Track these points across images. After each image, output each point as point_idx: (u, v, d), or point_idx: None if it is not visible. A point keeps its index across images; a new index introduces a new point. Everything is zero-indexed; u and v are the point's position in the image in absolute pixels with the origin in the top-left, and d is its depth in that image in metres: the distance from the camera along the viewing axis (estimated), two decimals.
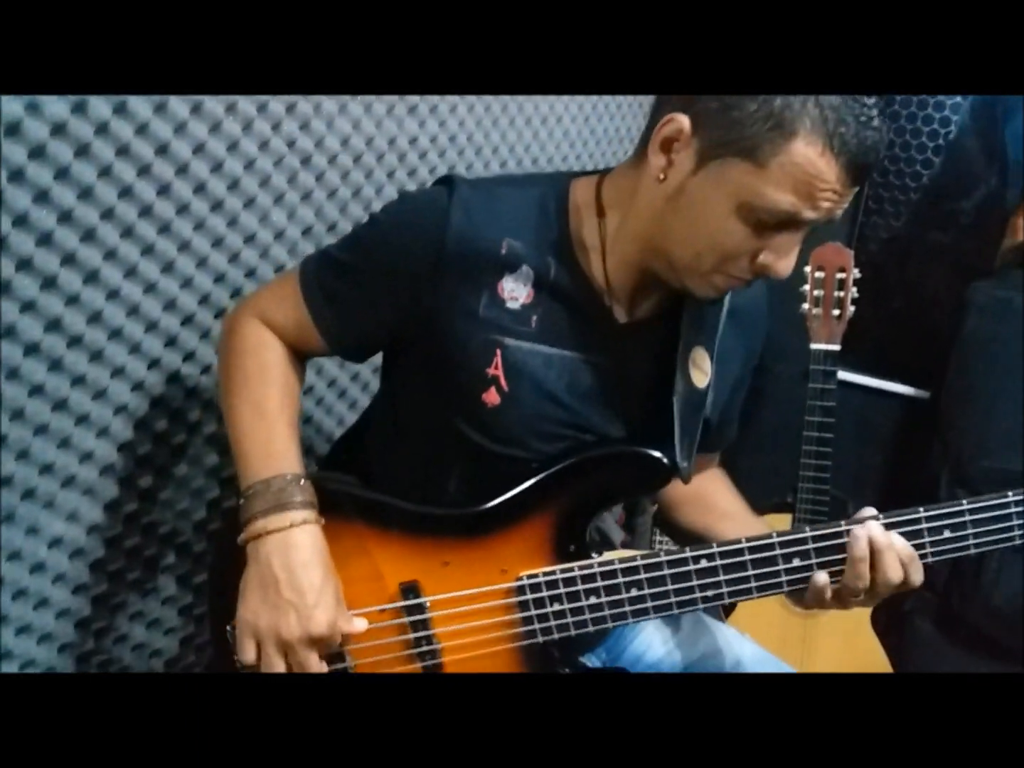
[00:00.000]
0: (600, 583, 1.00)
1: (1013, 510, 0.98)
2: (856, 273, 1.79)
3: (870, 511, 0.99)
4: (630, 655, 1.22)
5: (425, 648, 1.03)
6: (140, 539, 1.28)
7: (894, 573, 0.96)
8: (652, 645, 1.22)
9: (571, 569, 1.01)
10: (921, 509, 0.98)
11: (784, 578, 0.99)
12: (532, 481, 1.02)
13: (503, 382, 1.01)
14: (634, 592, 1.00)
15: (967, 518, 0.98)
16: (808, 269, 1.81)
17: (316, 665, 0.97)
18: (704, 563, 0.99)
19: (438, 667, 1.04)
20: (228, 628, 1.02)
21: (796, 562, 0.98)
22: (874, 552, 0.95)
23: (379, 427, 1.19)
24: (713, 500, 1.25)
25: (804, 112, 0.84)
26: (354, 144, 1.43)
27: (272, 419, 1.02)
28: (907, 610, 2.03)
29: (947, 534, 0.98)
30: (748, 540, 0.98)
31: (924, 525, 0.97)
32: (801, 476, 1.88)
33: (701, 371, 1.06)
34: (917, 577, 0.97)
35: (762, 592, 1.00)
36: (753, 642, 1.26)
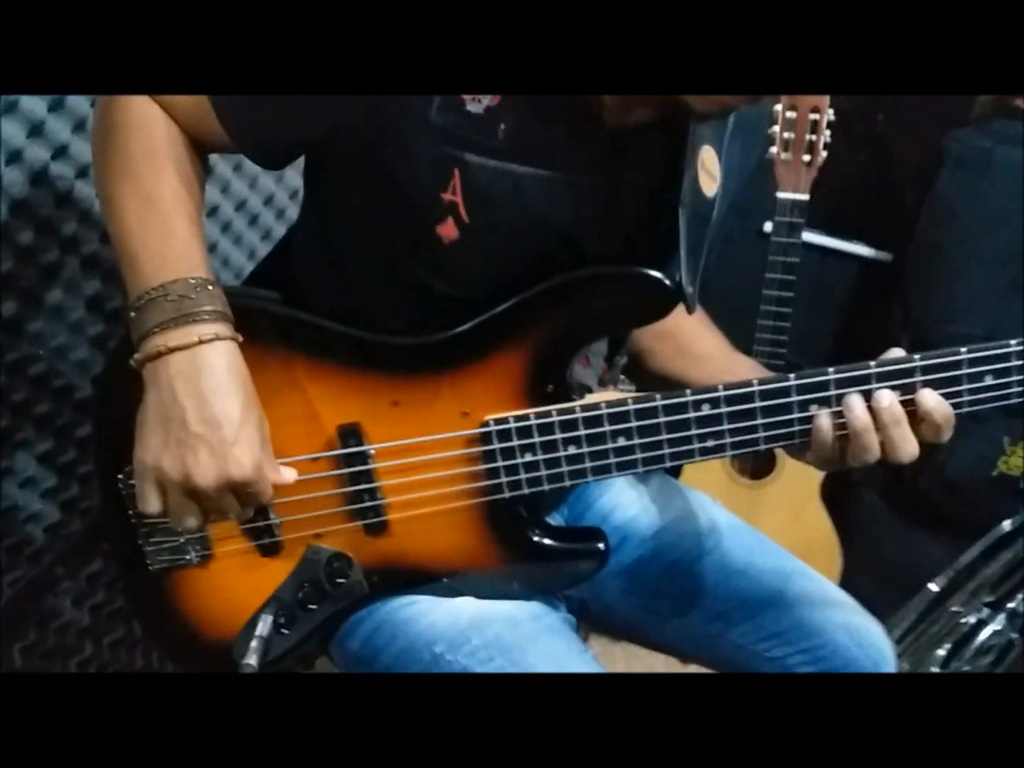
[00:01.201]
0: (582, 431, 0.83)
1: (1014, 363, 0.81)
2: (831, 115, 1.63)
3: (897, 352, 0.82)
4: (596, 514, 1.06)
5: (367, 504, 0.85)
6: (6, 380, 1.04)
7: (908, 447, 0.79)
8: (620, 504, 1.07)
9: (548, 413, 0.83)
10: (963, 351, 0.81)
11: (797, 427, 0.82)
12: (502, 307, 0.82)
13: (462, 211, 0.79)
14: (621, 442, 0.83)
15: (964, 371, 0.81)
16: (779, 108, 1.63)
17: (234, 507, 0.78)
18: (707, 409, 0.82)
19: (381, 526, 0.87)
20: (120, 476, 0.81)
21: (814, 409, 0.81)
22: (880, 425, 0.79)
23: (303, 254, 0.95)
24: (687, 341, 1.06)
25: None
26: None
27: (167, 210, 0.78)
28: (855, 480, 1.95)
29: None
30: (760, 382, 0.81)
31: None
32: (757, 339, 1.76)
33: (710, 176, 0.87)
34: (946, 435, 0.81)
35: (770, 442, 0.83)
36: (723, 508, 1.12)
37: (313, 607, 0.86)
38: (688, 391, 0.82)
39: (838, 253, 2.02)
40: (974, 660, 1.76)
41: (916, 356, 0.81)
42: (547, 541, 0.89)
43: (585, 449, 0.83)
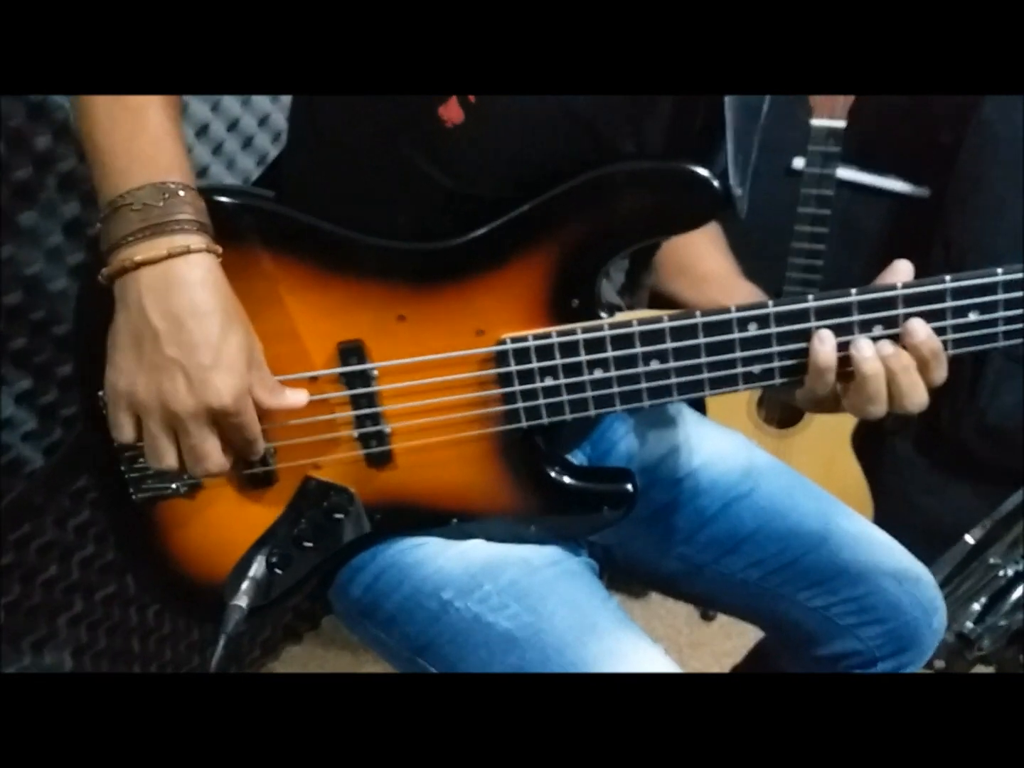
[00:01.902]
0: (611, 352, 0.74)
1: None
2: None
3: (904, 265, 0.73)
4: (621, 453, 0.97)
5: (370, 429, 0.77)
6: None
7: (918, 396, 0.71)
8: (648, 443, 0.98)
9: (572, 331, 0.74)
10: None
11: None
12: (526, 206, 0.72)
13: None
14: (655, 365, 0.74)
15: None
16: None
17: (216, 452, 0.70)
18: (754, 329, 0.72)
19: (385, 456, 0.78)
20: (101, 394, 0.74)
21: (878, 330, 0.71)
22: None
23: (296, 153, 0.85)
24: (689, 260, 0.97)
25: None
26: None
27: (138, 106, 0.69)
28: (887, 430, 1.86)
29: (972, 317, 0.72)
30: (816, 298, 0.71)
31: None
32: (788, 279, 1.67)
33: None
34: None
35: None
36: (759, 447, 1.03)
37: (310, 545, 0.78)
38: (733, 307, 0.72)
39: (872, 189, 1.90)
40: (1010, 615, 1.69)
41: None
42: (567, 479, 0.80)
43: (613, 373, 0.74)
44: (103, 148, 0.69)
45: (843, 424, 1.76)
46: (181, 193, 0.67)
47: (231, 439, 0.71)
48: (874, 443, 1.85)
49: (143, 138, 0.69)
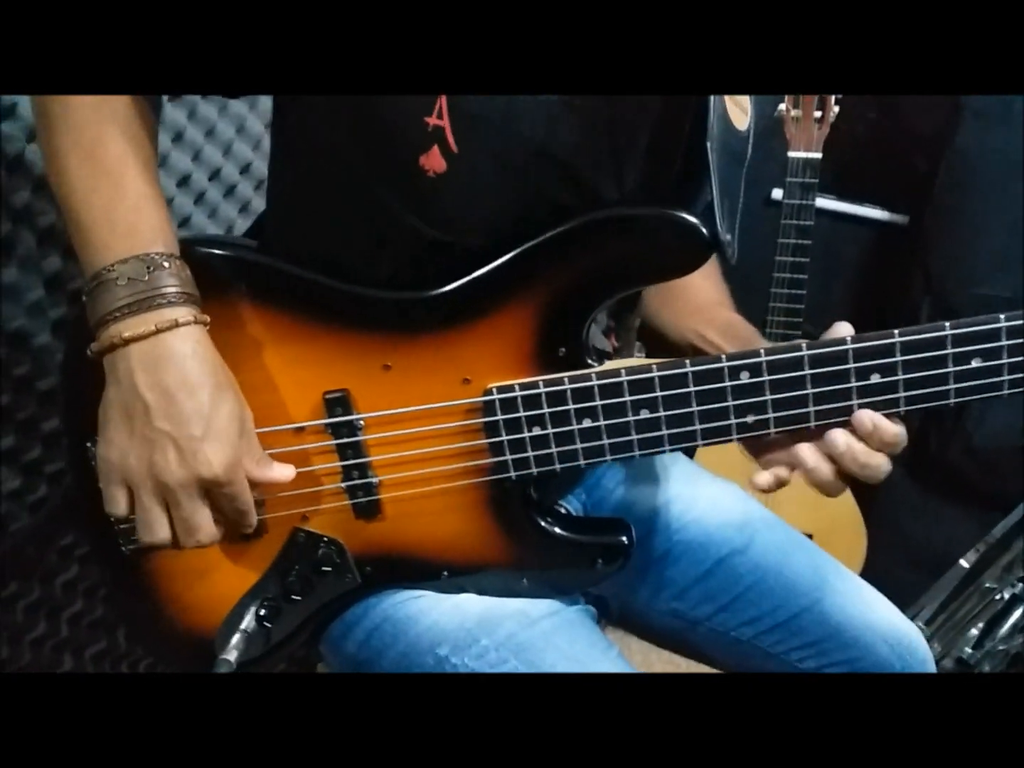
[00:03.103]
0: (598, 401, 0.73)
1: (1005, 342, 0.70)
2: None
3: (846, 328, 0.74)
4: (617, 503, 0.96)
5: (357, 481, 0.77)
6: None
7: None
8: (644, 493, 0.97)
9: (560, 381, 0.73)
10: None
11: (856, 400, 0.72)
12: (512, 254, 0.72)
13: (450, 138, 0.69)
14: (645, 414, 0.73)
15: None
16: None
17: (207, 524, 0.70)
18: (746, 377, 0.72)
19: (373, 507, 0.78)
20: (89, 445, 0.75)
21: (875, 378, 0.71)
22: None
23: (279, 201, 0.85)
24: (679, 288, 0.95)
25: None
26: None
27: (115, 170, 0.69)
28: None
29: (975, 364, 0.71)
30: (809, 347, 0.71)
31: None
32: (771, 309, 1.69)
33: (741, 109, 0.77)
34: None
35: (822, 419, 0.73)
36: (755, 499, 1.04)
37: (299, 598, 0.78)
38: (723, 356, 0.72)
39: (851, 218, 1.93)
40: (1008, 639, 1.69)
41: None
42: (559, 531, 0.79)
43: (602, 423, 0.74)
44: (82, 218, 0.69)
45: None
46: (166, 264, 0.67)
47: (223, 509, 0.70)
48: None
49: (123, 206, 0.68)
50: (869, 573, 1.83)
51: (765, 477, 0.78)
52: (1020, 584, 1.67)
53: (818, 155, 1.61)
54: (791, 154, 1.61)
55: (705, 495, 0.98)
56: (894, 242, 1.91)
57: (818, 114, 1.60)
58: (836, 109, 1.60)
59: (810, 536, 1.82)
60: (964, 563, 1.72)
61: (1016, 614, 1.67)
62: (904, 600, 1.65)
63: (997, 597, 1.69)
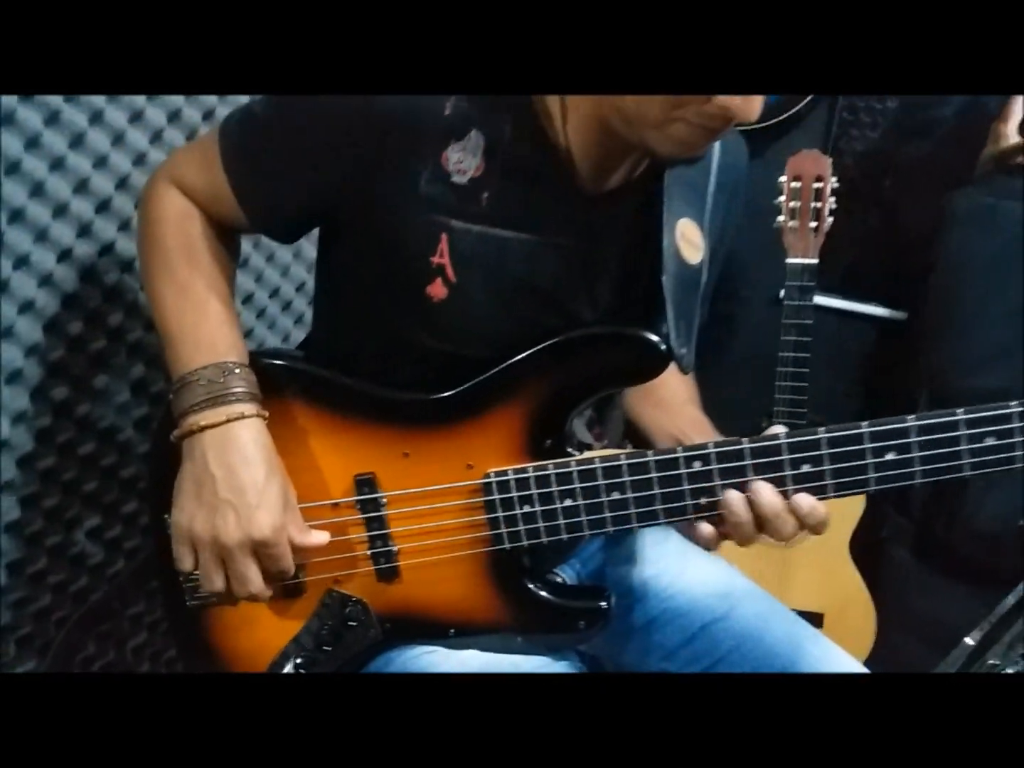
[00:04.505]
0: (577, 484, 0.88)
1: (1016, 424, 0.81)
2: (834, 182, 1.70)
3: (779, 429, 0.86)
4: (611, 572, 1.09)
5: (380, 548, 0.92)
6: (57, 461, 1.13)
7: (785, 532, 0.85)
8: (636, 563, 1.10)
9: (545, 467, 0.88)
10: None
11: (791, 486, 0.84)
12: (505, 364, 0.89)
13: (450, 272, 0.87)
14: (615, 496, 0.87)
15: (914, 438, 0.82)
16: (783, 180, 1.71)
17: (256, 578, 0.85)
18: (698, 466, 0.86)
19: (393, 571, 0.93)
20: (166, 517, 0.90)
21: (806, 468, 0.84)
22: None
23: (320, 318, 1.05)
24: (652, 384, 1.05)
25: None
26: None
27: (200, 301, 0.88)
28: (883, 537, 1.95)
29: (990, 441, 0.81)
30: (751, 440, 0.84)
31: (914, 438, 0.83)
32: (777, 400, 1.80)
33: (692, 245, 0.93)
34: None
35: None
36: (741, 574, 1.13)
37: (329, 648, 0.92)
38: (680, 448, 0.86)
39: (854, 315, 2.07)
40: None
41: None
42: (545, 594, 0.93)
43: (581, 502, 0.88)
44: (173, 335, 0.88)
45: (840, 533, 1.86)
46: (237, 371, 0.85)
47: (268, 568, 0.86)
48: (873, 550, 1.95)
49: (205, 326, 0.87)
50: (880, 650, 1.88)
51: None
52: (1022, 661, 1.73)
53: (814, 261, 1.73)
54: (789, 261, 1.73)
55: (692, 567, 1.09)
56: (894, 337, 2.03)
57: (813, 224, 1.74)
58: (830, 220, 1.74)
59: (822, 616, 1.91)
60: (969, 640, 1.77)
61: None
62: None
63: (1003, 673, 1.74)
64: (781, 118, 1.96)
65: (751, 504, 0.84)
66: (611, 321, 0.93)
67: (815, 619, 1.88)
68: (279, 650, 0.91)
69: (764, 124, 1.97)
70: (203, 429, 0.84)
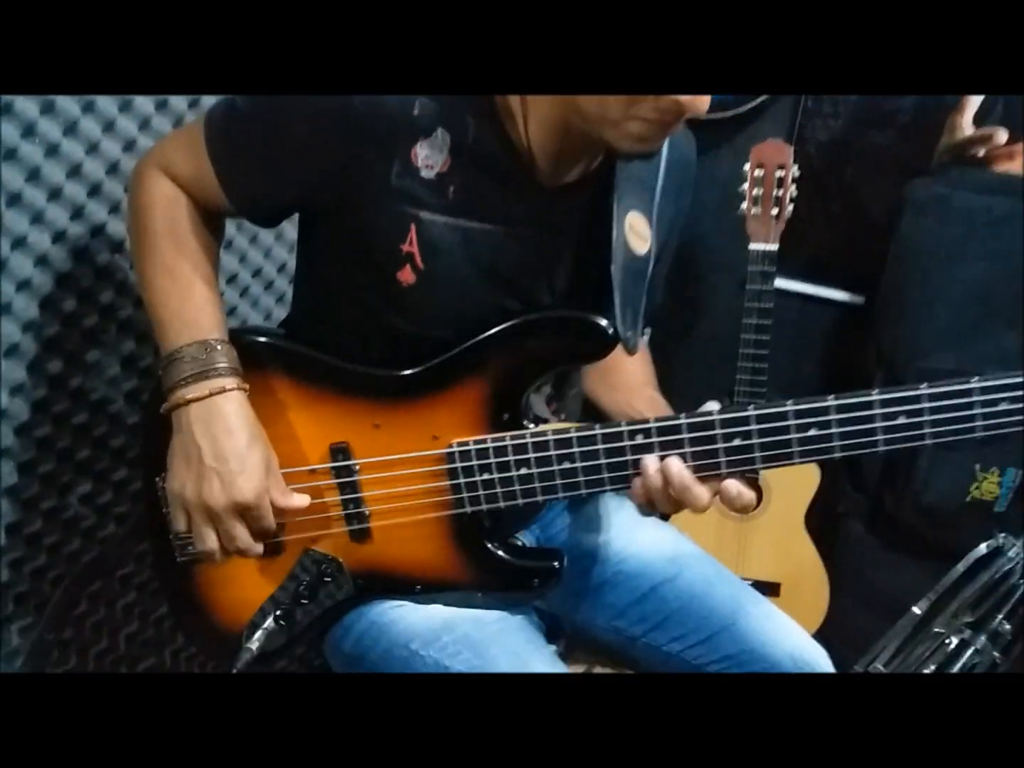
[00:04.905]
0: (532, 454, 0.96)
1: (976, 398, 0.88)
2: (795, 171, 1.77)
3: (713, 406, 0.94)
4: (568, 537, 1.19)
5: (352, 511, 1.00)
6: (52, 430, 1.21)
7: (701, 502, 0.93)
8: (592, 529, 1.19)
9: (503, 438, 0.97)
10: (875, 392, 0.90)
11: (723, 458, 0.92)
12: (467, 344, 0.97)
13: (418, 259, 0.94)
14: (566, 465, 0.95)
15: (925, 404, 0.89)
16: (747, 168, 1.79)
17: (244, 535, 0.94)
18: (640, 439, 0.93)
19: (365, 532, 1.01)
20: (157, 480, 1.00)
21: (737, 441, 0.92)
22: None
23: (299, 298, 1.13)
24: (610, 367, 1.17)
25: None
26: None
27: (186, 282, 0.96)
28: (840, 512, 2.05)
29: (901, 420, 0.90)
30: (688, 416, 0.92)
31: (878, 410, 0.90)
32: (738, 380, 1.86)
33: (640, 237, 1.01)
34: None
35: (697, 472, 0.92)
36: (689, 540, 1.22)
37: (306, 603, 1.00)
38: (624, 422, 0.94)
39: (815, 298, 2.15)
40: None
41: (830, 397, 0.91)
42: (502, 554, 1.02)
43: (535, 470, 0.96)
44: (161, 315, 0.96)
45: (796, 508, 1.95)
46: (219, 347, 0.93)
47: (252, 528, 0.94)
48: (829, 523, 2.05)
49: (190, 307, 0.95)
50: (833, 618, 1.98)
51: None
52: (968, 630, 1.82)
53: (775, 247, 1.80)
54: (751, 247, 1.80)
55: (643, 534, 1.18)
56: (852, 320, 2.12)
57: (775, 211, 1.82)
58: (791, 207, 1.81)
59: (778, 585, 2.01)
60: (916, 610, 1.85)
61: (963, 658, 1.82)
62: (864, 643, 1.82)
63: (947, 642, 1.84)
64: (747, 108, 2.03)
65: (663, 475, 0.91)
66: (565, 305, 1.01)
67: (772, 588, 1.98)
68: (261, 603, 0.99)
69: (731, 113, 2.04)
70: (189, 402, 0.92)
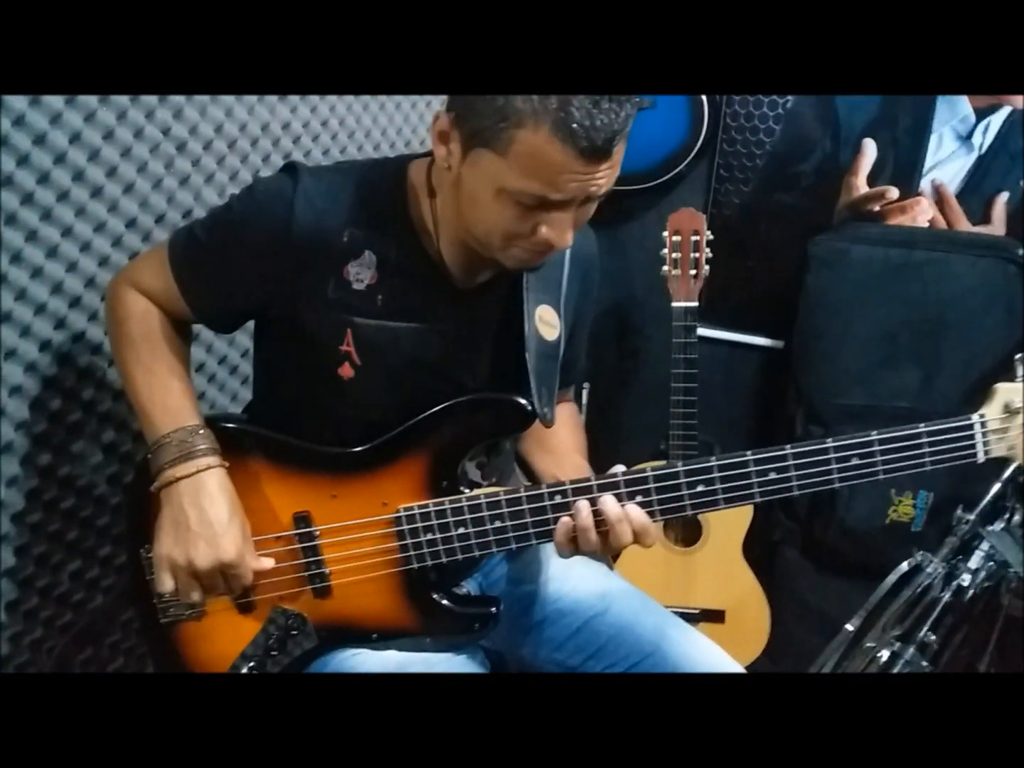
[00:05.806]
0: (468, 516, 1.11)
1: (832, 454, 1.05)
2: (709, 235, 1.95)
3: (618, 468, 1.07)
4: (507, 583, 1.32)
5: (315, 572, 1.15)
6: (43, 515, 1.35)
7: (624, 540, 1.05)
8: (529, 574, 1.32)
9: (442, 503, 1.12)
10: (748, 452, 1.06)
11: (626, 502, 1.06)
12: (409, 423, 1.13)
13: (355, 357, 1.11)
14: (497, 524, 1.11)
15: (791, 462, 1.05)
16: (666, 234, 1.95)
17: (223, 588, 1.09)
18: (559, 499, 1.08)
19: (326, 589, 1.16)
20: (143, 550, 1.14)
21: (639, 498, 1.06)
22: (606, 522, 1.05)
23: (259, 389, 1.30)
24: (543, 435, 1.30)
25: (530, 102, 0.89)
26: (227, 130, 1.52)
27: (164, 378, 1.12)
28: (776, 540, 2.21)
29: (772, 475, 1.05)
30: (598, 478, 1.07)
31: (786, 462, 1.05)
32: (671, 424, 2.01)
33: (549, 326, 1.18)
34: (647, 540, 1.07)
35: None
36: (618, 576, 1.35)
37: (276, 654, 1.15)
38: (544, 485, 1.09)
39: (741, 344, 2.34)
40: None
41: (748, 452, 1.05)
42: (446, 603, 1.16)
43: (471, 530, 1.11)
44: (145, 408, 1.12)
45: (733, 539, 2.10)
46: (200, 432, 1.09)
47: (231, 585, 1.09)
48: (767, 552, 2.21)
49: (172, 399, 1.12)
50: (776, 639, 2.12)
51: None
52: (897, 643, 1.95)
53: (695, 303, 1.96)
54: (673, 304, 1.96)
55: (574, 574, 1.31)
56: (775, 363, 2.31)
57: (693, 271, 1.98)
58: (707, 268, 1.98)
59: (723, 612, 2.16)
60: (850, 627, 1.99)
61: (895, 669, 1.96)
62: (807, 661, 1.96)
63: (879, 655, 1.98)
64: (667, 177, 2.23)
65: (597, 513, 1.05)
66: (488, 388, 1.18)
67: (717, 615, 2.13)
68: (236, 656, 1.13)
69: (653, 183, 2.23)
70: (178, 479, 1.07)
